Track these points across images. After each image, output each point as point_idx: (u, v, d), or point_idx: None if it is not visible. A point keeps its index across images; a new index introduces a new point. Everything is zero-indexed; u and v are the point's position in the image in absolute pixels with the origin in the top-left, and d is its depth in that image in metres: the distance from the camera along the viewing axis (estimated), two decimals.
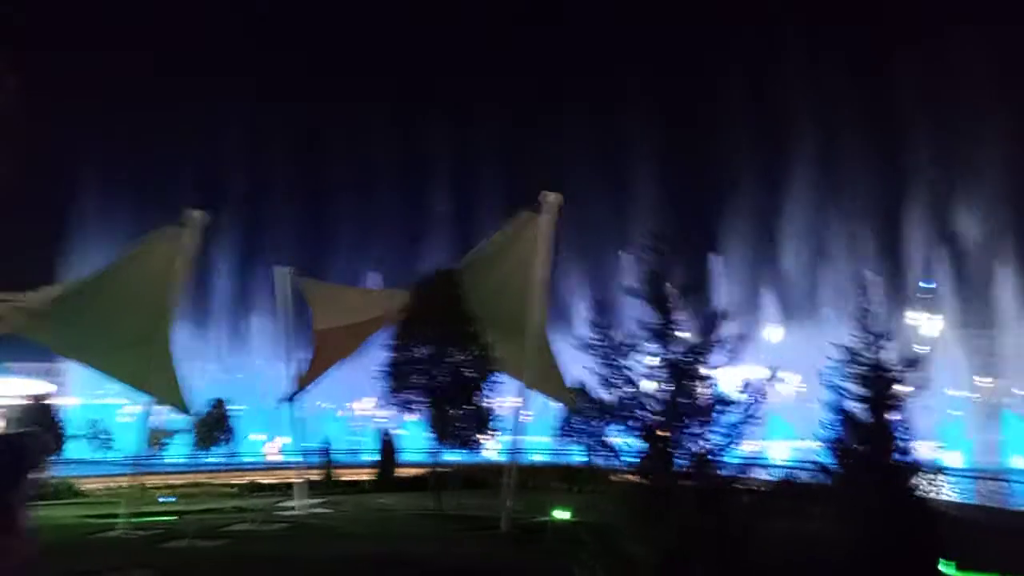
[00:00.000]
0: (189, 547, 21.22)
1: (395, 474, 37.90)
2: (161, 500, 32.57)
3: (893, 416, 13.56)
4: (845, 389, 13.83)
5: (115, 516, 25.11)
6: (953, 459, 48.29)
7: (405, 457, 42.07)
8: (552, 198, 24.93)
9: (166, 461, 48.80)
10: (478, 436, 29.79)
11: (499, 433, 29.50)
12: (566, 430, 32.61)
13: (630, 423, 10.71)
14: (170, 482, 37.33)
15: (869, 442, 13.29)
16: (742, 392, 10.80)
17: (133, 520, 24.91)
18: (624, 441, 10.83)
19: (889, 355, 13.87)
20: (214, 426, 29.65)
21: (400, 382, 19.18)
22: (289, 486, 33.99)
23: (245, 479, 39.33)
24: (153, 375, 25.94)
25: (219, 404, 30.85)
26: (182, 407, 30.80)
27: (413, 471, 38.42)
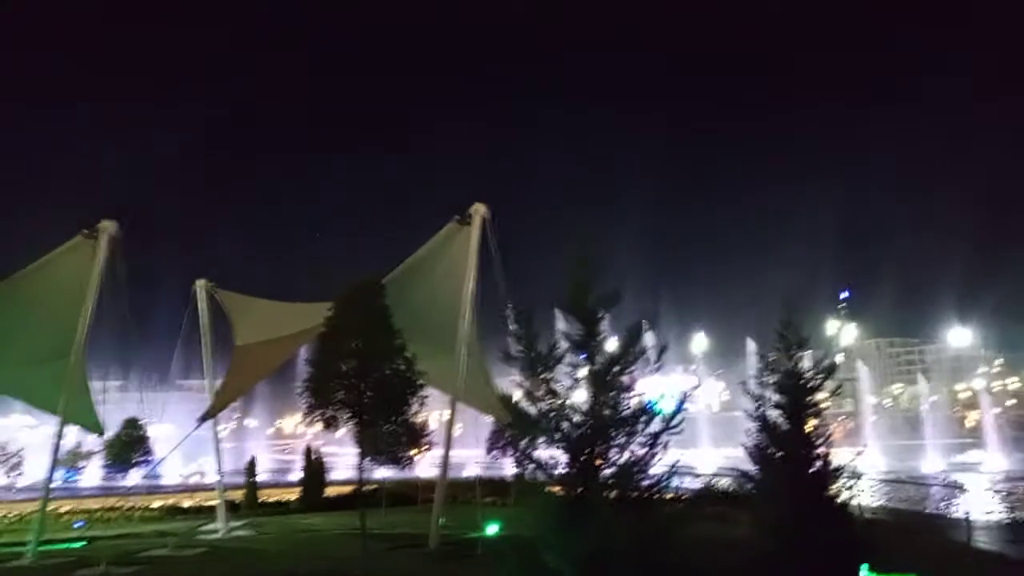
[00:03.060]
0: (104, 574, 20.30)
1: (323, 493, 37.11)
2: (75, 526, 31.12)
3: (811, 423, 13.93)
4: (765, 397, 14.16)
5: (23, 544, 23.87)
6: (870, 464, 50.04)
7: (333, 476, 41.27)
8: (482, 210, 24.86)
9: (80, 485, 46.75)
10: (407, 452, 29.26)
11: (429, 448, 29.08)
12: (496, 443, 32.46)
13: (555, 435, 10.66)
14: (84, 506, 35.72)
15: (788, 449, 13.60)
16: (665, 402, 10.88)
17: (42, 548, 23.71)
18: (550, 454, 10.79)
19: (807, 364, 14.29)
20: (129, 447, 28.39)
21: (324, 398, 18.68)
22: (211, 508, 32.91)
23: (165, 502, 38.02)
24: (64, 395, 24.74)
25: (134, 424, 29.56)
26: (95, 428, 29.51)
27: (341, 490, 37.70)
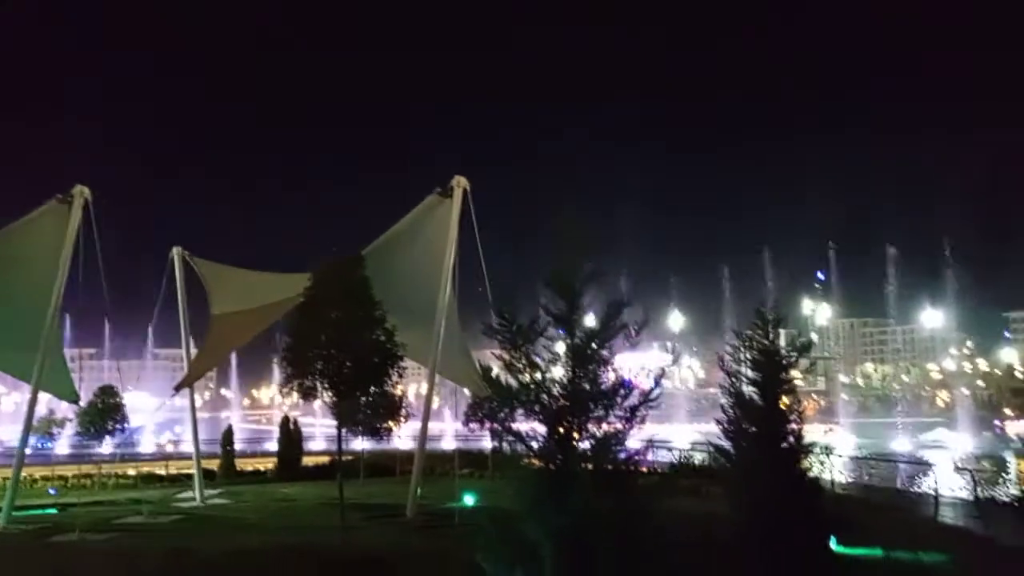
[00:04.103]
0: (78, 541, 20.26)
1: (300, 463, 37.14)
2: (49, 493, 30.99)
3: (785, 399, 14.11)
4: (741, 373, 14.30)
5: None
6: (842, 441, 50.92)
7: (310, 446, 41.28)
8: (463, 182, 24.77)
9: (55, 451, 46.47)
10: (385, 423, 29.27)
11: (406, 419, 29.10)
12: (474, 416, 32.54)
13: (534, 408, 10.71)
14: (59, 473, 35.52)
15: (762, 424, 13.77)
16: (643, 376, 10.95)
17: (16, 513, 23.63)
18: (529, 426, 10.84)
19: (782, 341, 14.44)
20: (104, 415, 28.16)
21: (302, 368, 18.64)
22: (188, 476, 32.88)
23: (140, 469, 37.87)
24: (39, 362, 24.48)
25: (108, 391, 29.30)
26: (71, 396, 29.27)
27: (318, 460, 37.76)
